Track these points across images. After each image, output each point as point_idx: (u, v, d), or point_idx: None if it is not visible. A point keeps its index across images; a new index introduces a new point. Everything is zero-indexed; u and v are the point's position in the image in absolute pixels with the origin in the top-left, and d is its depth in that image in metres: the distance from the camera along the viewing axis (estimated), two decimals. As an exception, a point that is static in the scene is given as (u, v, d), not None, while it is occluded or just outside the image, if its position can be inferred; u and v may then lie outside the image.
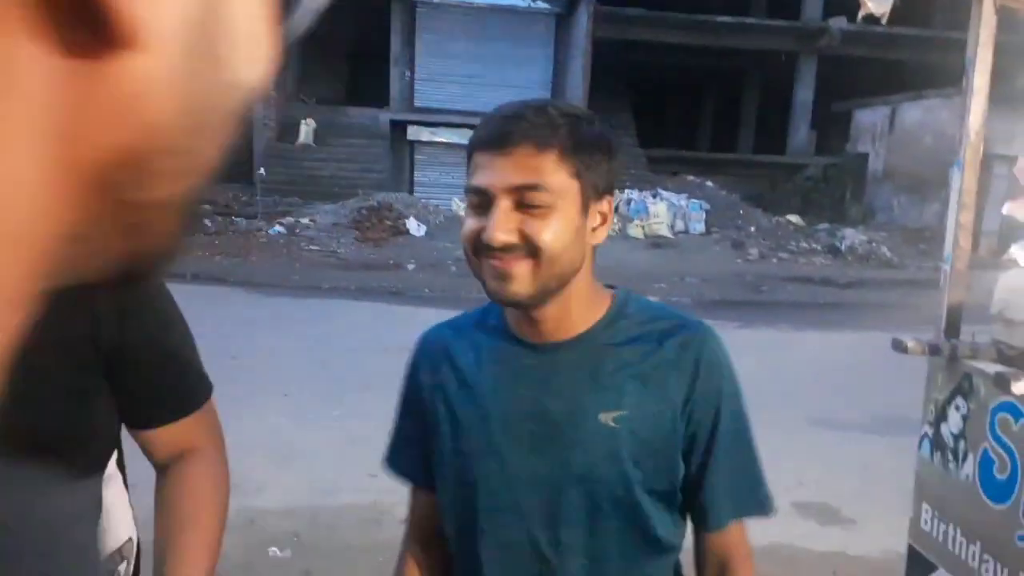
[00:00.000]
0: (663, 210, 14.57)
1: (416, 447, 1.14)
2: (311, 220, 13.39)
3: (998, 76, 1.81)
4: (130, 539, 1.09)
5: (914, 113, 16.79)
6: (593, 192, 0.96)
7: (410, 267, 11.00)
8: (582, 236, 0.96)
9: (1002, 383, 1.55)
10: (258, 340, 6.72)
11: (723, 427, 1.01)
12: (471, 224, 0.95)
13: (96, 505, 1.03)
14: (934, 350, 1.78)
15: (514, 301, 0.95)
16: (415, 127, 17.54)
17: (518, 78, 18.05)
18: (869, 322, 7.58)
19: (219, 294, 8.78)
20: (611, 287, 1.08)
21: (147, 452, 1.10)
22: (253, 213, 13.82)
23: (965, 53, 1.80)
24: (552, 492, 1.02)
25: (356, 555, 3.26)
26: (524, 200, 0.91)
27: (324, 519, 3.58)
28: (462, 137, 17.52)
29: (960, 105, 1.84)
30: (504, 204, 0.91)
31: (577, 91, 17.00)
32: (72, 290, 0.87)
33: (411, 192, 16.74)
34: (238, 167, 16.40)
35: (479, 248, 0.93)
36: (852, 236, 14.30)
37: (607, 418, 0.98)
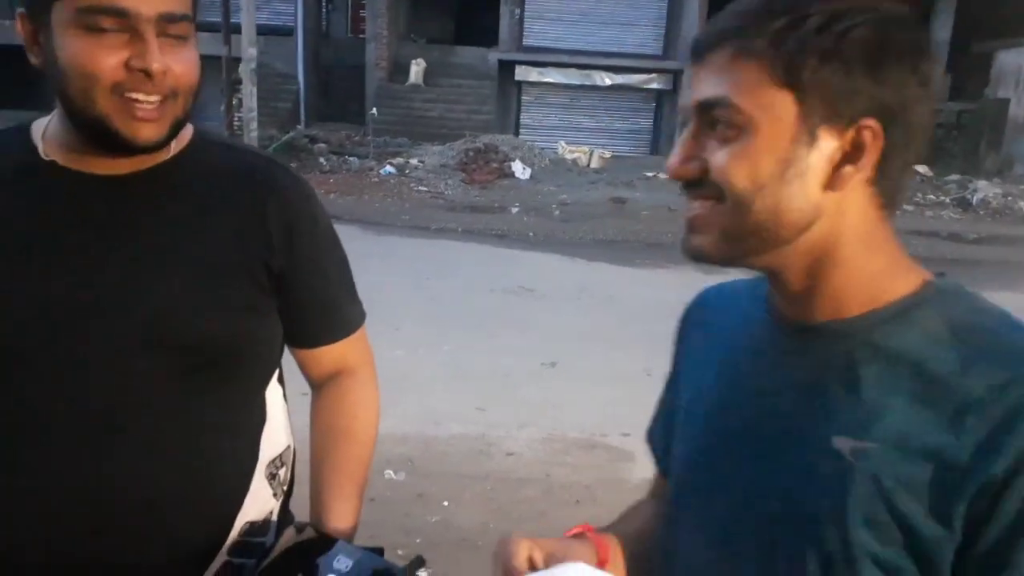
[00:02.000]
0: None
1: (665, 421, 0.95)
2: (420, 161, 13.62)
3: None
4: (288, 446, 1.20)
5: (1012, 59, 15.36)
6: (825, 113, 0.66)
7: (514, 210, 11.07)
8: (802, 175, 0.67)
9: None
10: (371, 276, 6.94)
11: None
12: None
13: (261, 414, 1.13)
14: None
15: (702, 259, 0.72)
16: (523, 67, 17.37)
17: (631, 15, 17.51)
18: (1001, 281, 7.16)
19: (336, 230, 9.10)
20: (940, 274, 0.75)
21: (305, 370, 1.19)
22: (365, 153, 14.16)
23: None
24: (731, 525, 0.76)
25: (465, 482, 3.44)
26: (711, 120, 0.69)
27: (435, 447, 3.78)
28: (569, 78, 17.27)
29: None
30: (693, 127, 0.71)
31: (692, 29, 16.35)
32: (249, 216, 0.99)
33: (517, 134, 16.70)
34: (351, 107, 16.78)
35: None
36: (986, 189, 13.36)
37: (844, 446, 0.67)
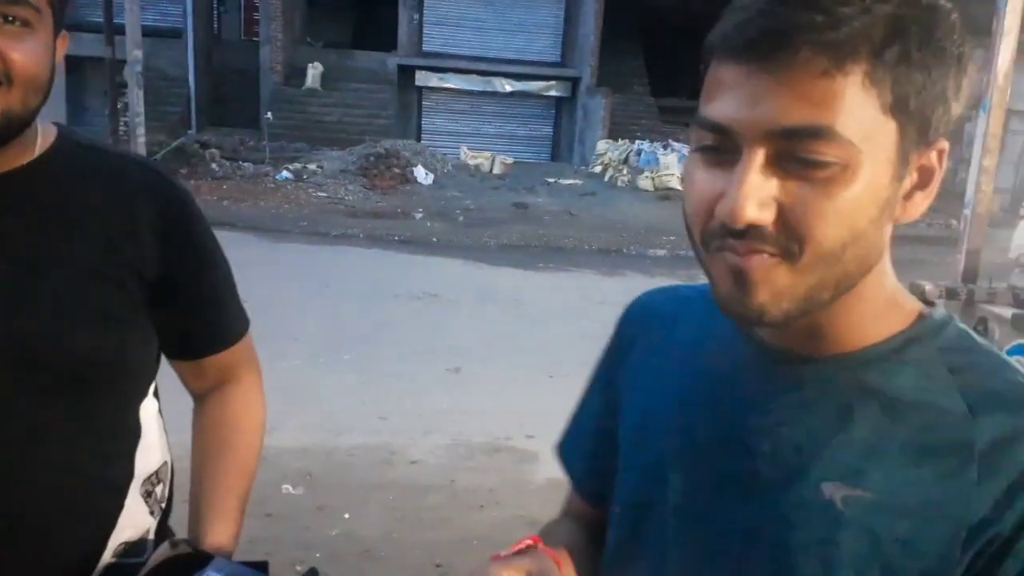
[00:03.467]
0: (674, 162, 14.43)
1: (591, 440, 0.83)
2: (318, 166, 13.34)
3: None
4: (165, 463, 1.14)
5: None
6: (920, 137, 0.55)
7: (417, 216, 10.99)
8: (888, 214, 0.57)
9: (1019, 325, 1.58)
10: (267, 285, 6.76)
11: None
12: (701, 183, 0.58)
13: (135, 431, 1.06)
14: (952, 294, 1.80)
15: (760, 321, 0.59)
16: (423, 72, 17.30)
17: (529, 21, 17.72)
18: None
19: (228, 238, 8.64)
20: (930, 303, 0.67)
21: (187, 381, 1.12)
22: (260, 158, 13.76)
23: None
24: (707, 567, 0.67)
25: (367, 493, 3.36)
26: (795, 152, 0.53)
27: (336, 458, 3.68)
28: (470, 83, 17.32)
29: (982, 59, 1.83)
30: (759, 157, 0.54)
31: (588, 37, 16.71)
32: (119, 223, 0.90)
33: (418, 139, 16.61)
34: (246, 112, 16.28)
35: (709, 224, 0.57)
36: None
37: (834, 493, 0.60)
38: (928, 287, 1.78)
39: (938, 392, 0.60)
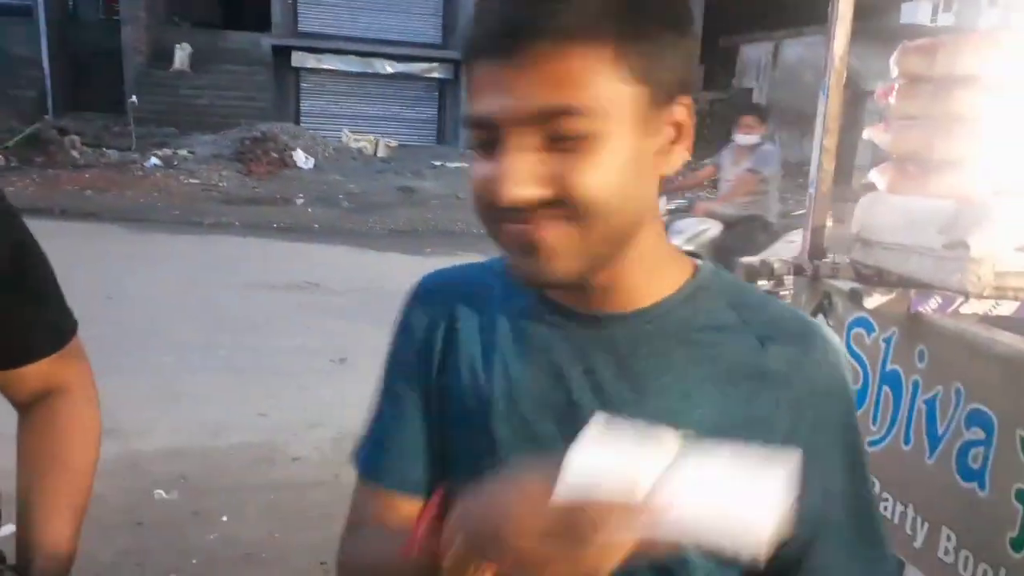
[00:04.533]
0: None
1: (398, 437, 0.81)
2: (189, 152, 12.70)
3: (872, 12, 1.88)
4: None
5: (796, 49, 17.32)
6: (658, 95, 0.61)
7: (299, 201, 10.65)
8: (647, 168, 0.63)
9: (855, 298, 1.66)
10: (135, 278, 6.39)
11: (839, 486, 0.69)
12: (479, 171, 0.63)
13: None
14: (798, 270, 1.88)
15: (553, 283, 0.65)
16: (300, 53, 16.73)
17: (407, 3, 17.42)
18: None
19: (91, 231, 8.27)
20: (695, 256, 0.75)
21: (6, 392, 1.03)
22: (126, 145, 12.97)
23: (835, -16, 1.85)
24: None
25: (247, 494, 3.22)
26: (549, 130, 0.59)
27: (213, 460, 3.51)
28: (350, 65, 16.89)
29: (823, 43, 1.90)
30: (519, 142, 0.59)
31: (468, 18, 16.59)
32: None
33: (297, 122, 16.08)
34: (108, 95, 15.29)
35: (492, 207, 0.62)
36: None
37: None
38: (776, 264, 1.85)
39: (730, 330, 0.69)
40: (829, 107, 1.82)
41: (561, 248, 0.62)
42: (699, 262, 0.74)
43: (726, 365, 0.68)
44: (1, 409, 1.06)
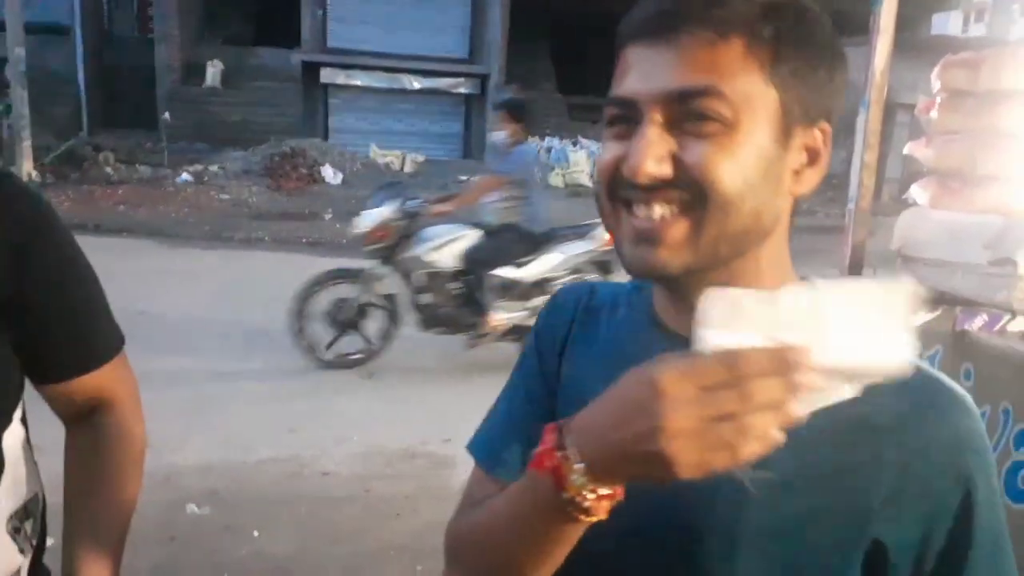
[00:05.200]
0: (583, 158, 14.61)
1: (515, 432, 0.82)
2: (220, 167, 12.88)
3: (904, 24, 1.85)
4: (35, 495, 1.04)
5: None
6: (801, 112, 0.62)
7: (327, 217, 10.74)
8: (778, 177, 0.62)
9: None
10: (168, 293, 6.47)
11: (972, 552, 0.62)
12: (610, 151, 0.64)
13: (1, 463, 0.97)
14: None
15: (661, 274, 0.64)
16: (329, 69, 16.93)
17: (436, 19, 17.59)
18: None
19: (124, 245, 8.39)
20: (803, 277, 0.70)
21: (54, 406, 1.03)
22: (159, 161, 13.19)
23: (873, -1, 1.83)
24: (627, 547, 0.69)
25: (278, 508, 3.23)
26: (688, 112, 0.60)
27: (243, 474, 3.52)
28: (378, 81, 17.06)
29: (863, 57, 1.88)
30: (657, 118, 0.61)
31: (496, 34, 16.70)
32: None
33: (325, 138, 16.25)
34: (142, 112, 15.58)
35: (616, 187, 0.64)
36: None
37: (743, 475, 0.60)
38: (817, 280, 1.81)
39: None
40: (870, 122, 1.79)
41: (676, 237, 0.62)
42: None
43: (823, 410, 0.58)
44: (49, 421, 1.06)
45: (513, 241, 4.89)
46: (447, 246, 4.85)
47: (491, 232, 4.94)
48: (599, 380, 0.68)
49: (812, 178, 0.64)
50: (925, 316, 1.64)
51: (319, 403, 4.38)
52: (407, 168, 14.82)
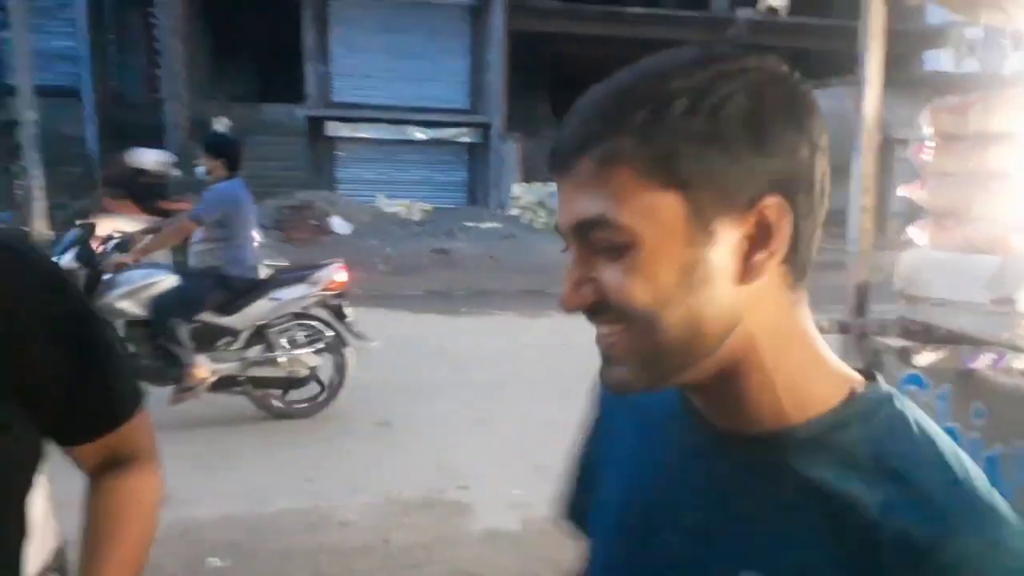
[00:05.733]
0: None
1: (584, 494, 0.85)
2: (230, 221, 13.03)
3: (897, 62, 1.93)
4: (58, 546, 1.07)
5: (823, 101, 17.38)
6: (717, 204, 0.59)
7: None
8: (707, 278, 0.59)
9: (906, 357, 1.67)
10: (182, 348, 6.53)
11: None
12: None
13: (21, 529, 0.99)
14: (844, 328, 1.88)
15: (627, 391, 0.64)
16: (333, 123, 17.23)
17: (436, 71, 17.93)
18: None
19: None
20: (871, 376, 0.66)
21: (75, 462, 1.06)
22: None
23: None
24: None
25: (299, 559, 3.24)
26: (592, 241, 0.61)
27: (263, 525, 3.54)
28: (382, 132, 17.34)
29: (849, 96, 1.95)
30: (577, 251, 0.62)
31: (496, 84, 17.01)
32: None
33: (333, 190, 16.47)
34: (150, 169, 15.82)
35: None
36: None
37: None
38: (823, 323, 1.86)
39: (858, 483, 0.59)
40: (864, 167, 1.85)
41: (620, 354, 0.62)
42: (859, 385, 0.64)
43: (833, 518, 0.59)
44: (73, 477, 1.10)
45: (211, 287, 4.63)
46: (138, 292, 4.53)
47: (189, 276, 4.70)
48: (636, 463, 0.74)
49: (766, 261, 0.59)
50: (932, 356, 1.68)
51: (334, 453, 4.40)
52: (415, 216, 14.98)
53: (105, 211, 7.20)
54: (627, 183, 0.58)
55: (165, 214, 6.76)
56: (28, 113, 10.81)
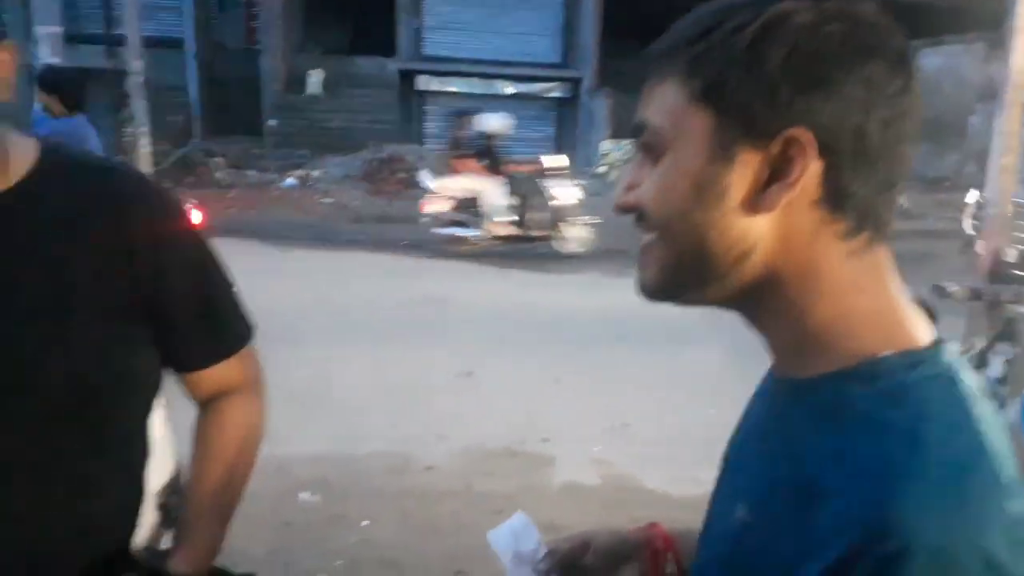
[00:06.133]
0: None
1: None
2: (322, 172, 13.35)
3: None
4: (177, 470, 1.13)
5: (934, 60, 16.44)
6: (744, 128, 0.59)
7: (423, 220, 10.98)
8: (718, 197, 0.60)
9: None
10: (276, 292, 6.76)
11: None
12: None
13: (144, 448, 1.06)
14: (976, 295, 1.77)
15: (643, 293, 0.68)
16: (424, 76, 17.30)
17: (529, 25, 17.70)
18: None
19: (236, 247, 8.79)
20: (939, 341, 0.61)
21: (187, 390, 1.11)
22: (265, 166, 13.78)
23: (1002, -3, 1.77)
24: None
25: (384, 501, 3.36)
26: (642, 146, 0.66)
27: (351, 466, 3.67)
28: (472, 87, 17.30)
29: (982, 52, 1.82)
30: (636, 156, 0.67)
31: (588, 38, 16.70)
32: (109, 240, 0.89)
33: (421, 143, 16.61)
34: (249, 119, 16.30)
35: None
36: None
37: (740, 514, 0.65)
38: (953, 288, 1.76)
39: (827, 434, 0.58)
40: (1007, 123, 1.73)
41: (649, 261, 0.66)
42: (917, 346, 0.60)
43: (810, 468, 0.57)
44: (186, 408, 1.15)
45: None
46: None
47: None
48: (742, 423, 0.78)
49: (778, 193, 0.59)
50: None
51: (420, 400, 4.51)
52: (500, 172, 14.98)
53: (454, 171, 8.46)
54: (671, 94, 0.62)
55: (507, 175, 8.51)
56: (135, 63, 11.25)
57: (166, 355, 1.04)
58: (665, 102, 0.62)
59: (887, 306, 0.61)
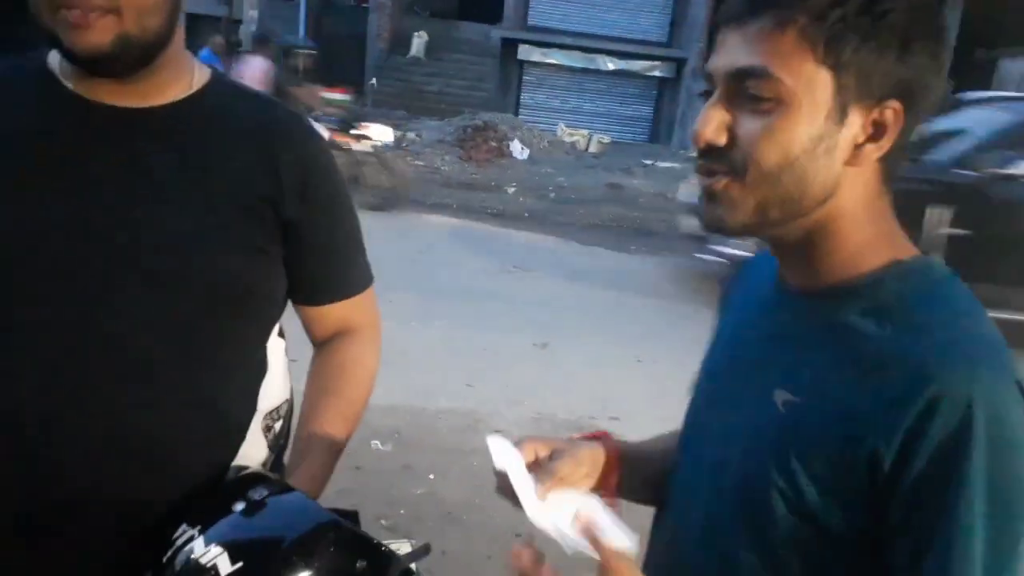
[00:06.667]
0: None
1: None
2: (417, 135, 13.52)
3: None
4: (287, 400, 1.18)
5: (1013, 68, 15.40)
6: (860, 91, 0.67)
7: (510, 190, 11.01)
8: (828, 152, 0.68)
9: None
10: (366, 247, 6.94)
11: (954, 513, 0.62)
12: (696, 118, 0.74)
13: (262, 365, 1.11)
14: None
15: (721, 228, 0.73)
16: (526, 46, 17.23)
17: (638, 1, 17.39)
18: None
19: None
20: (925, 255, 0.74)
21: (309, 327, 1.17)
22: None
23: None
24: (694, 466, 0.84)
25: (452, 456, 3.43)
26: (745, 90, 0.68)
27: (423, 420, 3.77)
28: (573, 60, 17.16)
29: None
30: (721, 92, 0.70)
31: (699, 17, 16.29)
32: (262, 160, 0.97)
33: (516, 113, 16.60)
34: (351, 77, 16.63)
35: (695, 151, 0.74)
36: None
37: (779, 397, 0.72)
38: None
39: (876, 320, 0.69)
40: None
41: (725, 199, 0.71)
42: (906, 256, 0.74)
43: (859, 352, 0.69)
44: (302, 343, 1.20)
45: None
46: None
47: None
48: (730, 324, 0.89)
49: (872, 153, 0.69)
50: None
51: (495, 365, 4.57)
52: (592, 148, 14.85)
53: None
54: (794, 49, 0.66)
55: None
56: (251, 12, 11.60)
57: (295, 285, 1.09)
58: (788, 55, 0.66)
59: (895, 228, 0.75)
